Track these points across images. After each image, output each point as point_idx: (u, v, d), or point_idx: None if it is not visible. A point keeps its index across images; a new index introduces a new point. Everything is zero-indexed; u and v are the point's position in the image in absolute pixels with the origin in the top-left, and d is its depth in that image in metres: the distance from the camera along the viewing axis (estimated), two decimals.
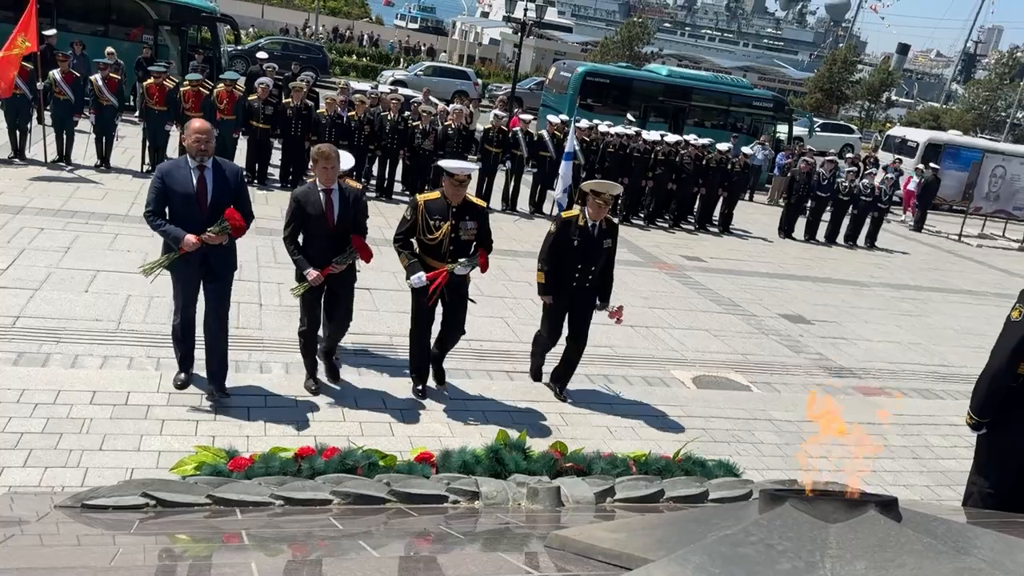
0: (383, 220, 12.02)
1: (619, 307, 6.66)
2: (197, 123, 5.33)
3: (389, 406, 6.02)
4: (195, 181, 5.25)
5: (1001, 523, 3.01)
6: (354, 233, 5.77)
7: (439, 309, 6.17)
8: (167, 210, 5.29)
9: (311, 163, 5.79)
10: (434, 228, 5.89)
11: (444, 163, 6.08)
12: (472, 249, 6.05)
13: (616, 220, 6.84)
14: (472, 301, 6.31)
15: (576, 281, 6.38)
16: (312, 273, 5.62)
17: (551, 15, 46.28)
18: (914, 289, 13.54)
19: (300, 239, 5.73)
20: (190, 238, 5.16)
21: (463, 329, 6.31)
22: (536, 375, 6.90)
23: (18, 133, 11.88)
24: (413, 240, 6.00)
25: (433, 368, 6.41)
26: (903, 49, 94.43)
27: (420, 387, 6.23)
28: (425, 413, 6.00)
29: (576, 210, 6.56)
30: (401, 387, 6.38)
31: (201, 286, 5.53)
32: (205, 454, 3.36)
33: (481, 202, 6.27)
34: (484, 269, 6.18)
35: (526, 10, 25.23)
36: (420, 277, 5.84)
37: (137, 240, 9.03)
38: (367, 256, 5.83)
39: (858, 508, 1.65)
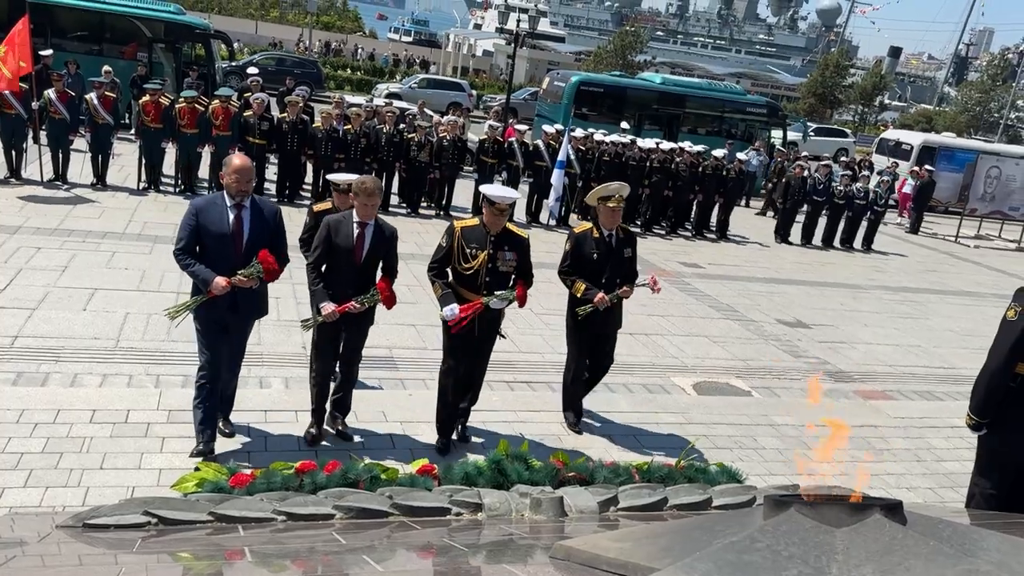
0: None
1: (651, 277, 6.51)
2: (237, 161, 4.97)
3: (390, 419, 6.01)
4: (231, 220, 4.89)
5: (1005, 524, 3.00)
6: (383, 274, 5.45)
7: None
8: (198, 249, 4.93)
9: (351, 195, 5.35)
10: (470, 257, 5.47)
11: (486, 189, 5.63)
12: (511, 282, 5.63)
13: (633, 228, 6.77)
14: (502, 336, 5.90)
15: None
16: (328, 307, 5.20)
17: (544, 26, 46.61)
18: (912, 291, 13.55)
19: (324, 270, 5.35)
20: (220, 281, 4.80)
21: (485, 368, 5.87)
22: (574, 408, 6.34)
23: (14, 153, 11.88)
24: (448, 270, 5.60)
25: (460, 425, 5.89)
26: (895, 52, 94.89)
27: (443, 442, 5.69)
28: (427, 426, 5.98)
29: (587, 223, 6.29)
30: (401, 399, 6.37)
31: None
32: (206, 471, 3.34)
33: (524, 232, 5.76)
34: (522, 303, 5.71)
35: (519, 21, 25.36)
36: (453, 309, 5.39)
37: (135, 258, 9.03)
38: (390, 302, 5.45)
39: (863, 512, 1.65)
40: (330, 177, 6.56)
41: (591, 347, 6.30)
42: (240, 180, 4.86)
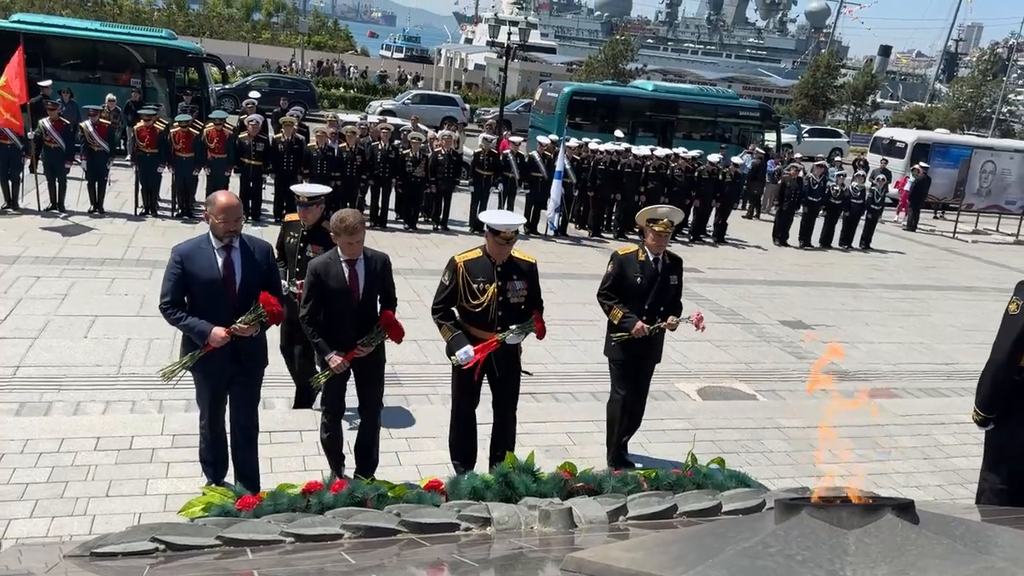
0: (376, 249, 12.04)
1: (697, 314, 5.85)
2: (223, 199, 4.49)
3: (395, 436, 5.99)
4: (221, 264, 4.45)
5: (1017, 519, 2.99)
6: (384, 307, 5.05)
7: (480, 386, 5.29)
8: (187, 299, 4.51)
9: (332, 234, 4.88)
10: (478, 292, 5.05)
11: (487, 217, 5.18)
12: (524, 313, 5.20)
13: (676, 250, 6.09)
14: (527, 373, 5.46)
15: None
16: (336, 359, 4.82)
17: (534, 38, 46.81)
18: (912, 288, 13.54)
19: (321, 317, 4.93)
20: (218, 332, 4.36)
21: (515, 414, 5.40)
22: (618, 456, 5.87)
23: (10, 183, 11.91)
24: (454, 309, 5.19)
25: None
26: (885, 51, 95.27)
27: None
28: (431, 441, 5.96)
29: (633, 245, 5.80)
30: (405, 416, 6.36)
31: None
32: (212, 495, 3.33)
33: (530, 257, 5.32)
34: (541, 335, 5.27)
35: (510, 34, 25.49)
36: (467, 351, 4.98)
37: (135, 283, 9.03)
38: (398, 335, 5.06)
39: (875, 513, 1.64)
40: (293, 188, 6.33)
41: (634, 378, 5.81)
42: (227, 220, 4.42)
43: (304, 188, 6.15)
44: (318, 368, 5.15)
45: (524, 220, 5.31)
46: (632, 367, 5.75)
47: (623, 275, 5.62)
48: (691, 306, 10.66)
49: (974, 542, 1.62)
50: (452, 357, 5.06)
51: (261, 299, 4.45)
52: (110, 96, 13.95)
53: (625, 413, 5.83)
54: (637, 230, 15.10)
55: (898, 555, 1.53)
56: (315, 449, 5.66)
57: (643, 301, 5.59)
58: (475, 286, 5.07)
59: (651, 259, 5.60)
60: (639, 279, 5.58)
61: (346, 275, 4.86)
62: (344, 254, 4.86)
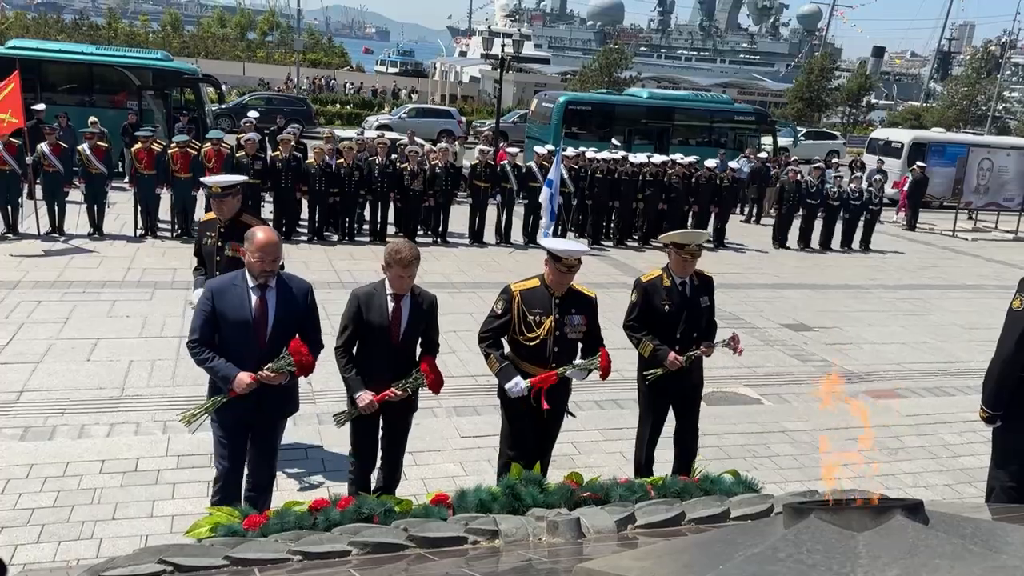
0: (377, 263, 12.02)
1: (732, 336, 5.42)
2: (261, 235, 4.10)
3: None
4: (253, 304, 4.12)
5: None
6: (425, 353, 4.65)
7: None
8: (217, 339, 4.17)
9: (383, 265, 4.45)
10: (534, 325, 4.66)
11: (550, 243, 4.78)
12: (578, 350, 4.84)
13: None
14: (571, 415, 5.09)
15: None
16: (365, 397, 4.42)
17: (528, 49, 46.97)
18: (914, 288, 13.54)
19: (355, 351, 4.56)
20: (244, 377, 4.04)
21: (550, 454, 5.09)
22: (645, 466, 5.50)
23: (9, 208, 11.93)
24: (503, 340, 4.81)
25: None
26: (878, 52, 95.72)
27: None
28: (437, 455, 5.95)
29: (656, 270, 5.35)
30: (412, 430, 6.33)
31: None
32: (219, 515, 3.31)
33: (590, 291, 4.93)
34: (605, 375, 4.81)
35: (503, 46, 25.55)
36: (518, 383, 4.59)
37: (136, 305, 9.03)
38: (437, 386, 4.64)
39: (884, 514, 1.63)
40: (203, 180, 6.03)
41: (677, 413, 5.46)
42: (264, 259, 4.06)
43: (216, 178, 5.71)
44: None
45: (588, 249, 4.67)
46: (669, 399, 5.37)
47: (649, 304, 5.19)
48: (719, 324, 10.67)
49: (985, 541, 1.61)
50: (508, 388, 4.63)
51: (291, 347, 4.13)
52: (92, 119, 13.94)
53: (651, 454, 5.46)
54: (635, 239, 15.18)
55: (909, 556, 1.52)
56: (321, 466, 5.65)
57: (674, 330, 5.17)
58: (531, 318, 4.67)
59: (677, 283, 5.19)
60: (667, 306, 5.15)
61: (389, 310, 4.46)
62: (391, 287, 4.46)
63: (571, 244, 4.98)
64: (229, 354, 4.11)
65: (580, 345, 4.82)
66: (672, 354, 5.09)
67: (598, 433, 6.51)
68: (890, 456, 6.56)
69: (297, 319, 4.24)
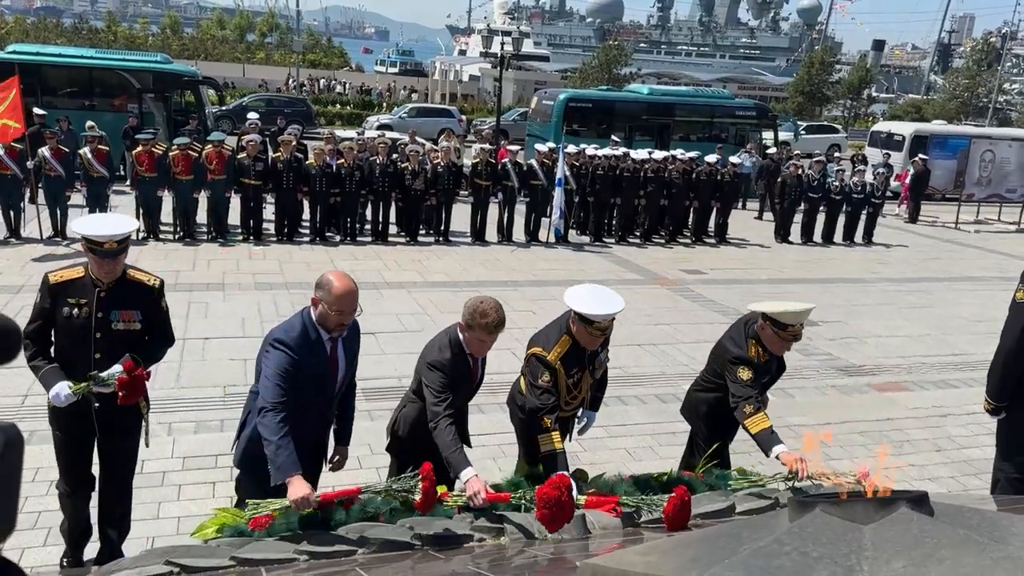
0: (380, 263, 12.07)
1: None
2: (339, 284, 3.47)
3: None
4: (327, 357, 3.65)
5: None
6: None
7: None
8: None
9: (466, 326, 3.82)
10: (574, 388, 4.24)
11: (580, 306, 3.97)
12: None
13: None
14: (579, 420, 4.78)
15: None
16: (472, 477, 3.44)
17: (527, 47, 46.89)
18: (917, 281, 13.52)
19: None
20: (303, 489, 3.16)
21: None
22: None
23: (12, 213, 11.95)
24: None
25: None
26: (878, 45, 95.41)
27: None
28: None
29: (752, 345, 4.52)
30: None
31: None
32: (225, 515, 3.32)
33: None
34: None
35: (503, 44, 25.57)
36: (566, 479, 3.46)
37: None
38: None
39: (889, 506, 1.63)
40: (81, 230, 3.87)
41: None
42: (345, 312, 3.49)
43: (97, 226, 3.89)
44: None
45: (623, 304, 4.08)
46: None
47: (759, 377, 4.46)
48: (695, 308, 10.68)
49: (990, 532, 1.61)
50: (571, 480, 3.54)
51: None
52: (89, 123, 13.96)
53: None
54: (636, 235, 15.15)
55: (915, 548, 1.52)
56: (326, 466, 5.65)
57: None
58: (570, 382, 4.19)
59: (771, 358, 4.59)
60: (765, 380, 4.64)
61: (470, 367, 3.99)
62: (471, 350, 3.91)
63: (604, 303, 4.04)
64: (298, 411, 3.48)
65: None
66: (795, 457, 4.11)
67: (602, 431, 6.51)
68: (895, 449, 6.55)
69: (355, 363, 3.85)
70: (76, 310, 3.93)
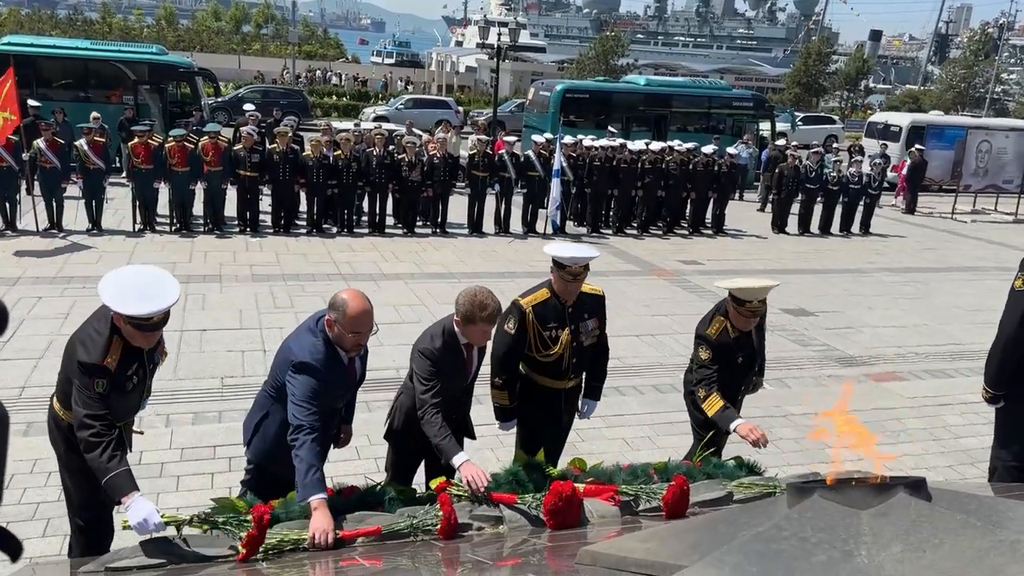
0: (377, 254, 12.06)
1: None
2: (354, 304, 3.39)
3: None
4: (346, 369, 3.63)
5: None
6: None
7: None
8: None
9: (466, 322, 3.79)
10: (550, 341, 4.32)
11: (554, 250, 4.27)
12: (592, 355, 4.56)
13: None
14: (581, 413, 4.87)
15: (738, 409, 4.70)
16: (465, 462, 3.46)
17: (524, 37, 46.71)
18: (914, 271, 13.54)
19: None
20: (325, 522, 2.96)
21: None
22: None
23: (7, 205, 11.92)
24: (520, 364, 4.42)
25: None
26: (875, 36, 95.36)
27: None
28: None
29: (719, 321, 4.61)
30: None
31: None
32: (224, 506, 3.32)
33: (597, 288, 4.54)
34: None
35: (500, 35, 25.48)
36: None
37: None
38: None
39: (887, 492, 1.64)
40: (121, 309, 3.30)
41: None
42: (362, 333, 3.46)
43: (138, 298, 3.35)
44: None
45: (597, 253, 4.51)
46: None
47: (721, 357, 4.56)
48: (692, 298, 10.68)
49: (988, 516, 1.62)
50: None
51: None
52: (94, 114, 13.92)
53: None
54: (634, 226, 15.14)
55: (912, 532, 1.53)
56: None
57: (740, 383, 4.85)
58: (547, 334, 4.31)
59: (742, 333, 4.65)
60: (740, 358, 4.68)
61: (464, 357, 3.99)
62: (473, 340, 3.91)
63: (576, 249, 4.32)
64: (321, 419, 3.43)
65: (595, 350, 4.55)
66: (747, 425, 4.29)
67: (600, 420, 6.52)
68: (892, 439, 6.57)
69: (366, 362, 3.84)
70: (135, 378, 3.62)
